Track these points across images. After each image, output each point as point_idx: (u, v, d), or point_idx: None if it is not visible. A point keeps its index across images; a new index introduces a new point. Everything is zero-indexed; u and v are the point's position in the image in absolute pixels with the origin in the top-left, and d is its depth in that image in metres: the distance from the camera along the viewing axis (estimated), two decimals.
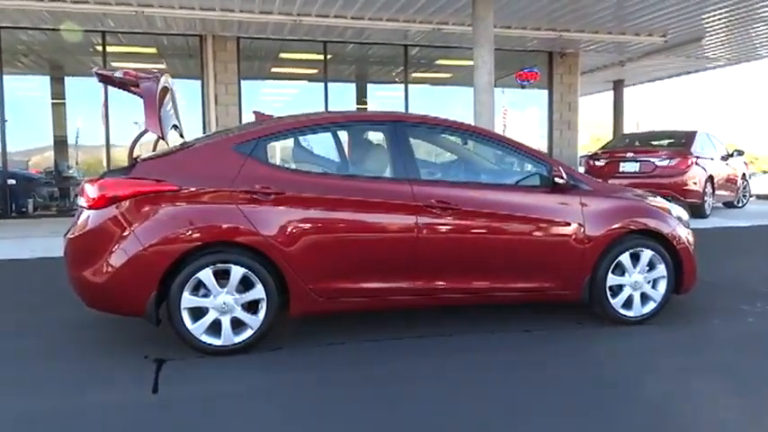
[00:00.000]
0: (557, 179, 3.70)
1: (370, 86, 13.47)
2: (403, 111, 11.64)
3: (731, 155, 11.31)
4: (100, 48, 10.80)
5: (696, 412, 2.64)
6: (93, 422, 2.53)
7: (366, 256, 3.44)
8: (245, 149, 3.41)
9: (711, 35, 11.68)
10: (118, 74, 3.50)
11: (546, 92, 13.22)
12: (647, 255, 3.82)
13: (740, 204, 12.11)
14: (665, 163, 9.82)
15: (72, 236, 3.31)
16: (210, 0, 9.14)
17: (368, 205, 3.45)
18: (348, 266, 3.41)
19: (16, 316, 4.22)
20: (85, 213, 3.27)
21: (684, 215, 4.18)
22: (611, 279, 3.78)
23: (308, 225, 3.34)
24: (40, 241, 7.32)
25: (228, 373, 3.06)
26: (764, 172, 21.07)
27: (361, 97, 12.95)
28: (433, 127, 3.98)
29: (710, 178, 10.17)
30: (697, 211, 9.56)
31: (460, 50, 11.79)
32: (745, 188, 12.25)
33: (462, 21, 10.08)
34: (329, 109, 11.52)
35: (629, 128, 18.59)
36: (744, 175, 12.10)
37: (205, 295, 3.23)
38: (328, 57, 11.85)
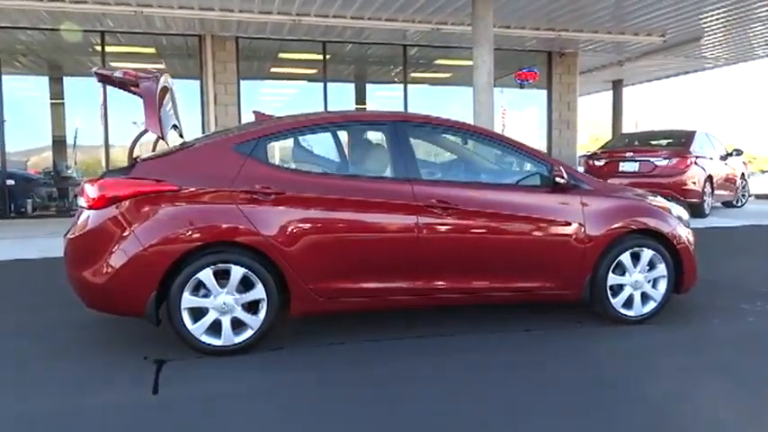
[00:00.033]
0: (557, 179, 3.70)
1: (369, 86, 13.46)
2: (402, 111, 11.64)
3: (730, 154, 11.32)
4: (99, 48, 10.79)
5: (696, 412, 2.64)
6: (93, 422, 2.53)
7: (366, 256, 3.44)
8: (246, 149, 3.41)
9: (710, 35, 11.70)
10: (117, 74, 3.50)
11: (545, 91, 13.23)
12: (647, 254, 3.83)
13: (739, 204, 12.13)
14: (665, 163, 9.83)
15: (72, 236, 3.31)
16: (209, 0, 9.13)
17: (368, 205, 3.45)
18: (348, 266, 3.41)
19: (16, 316, 4.21)
20: (85, 213, 3.26)
21: (685, 214, 4.18)
22: (612, 278, 3.79)
23: (309, 225, 3.34)
24: (40, 242, 7.31)
25: (228, 374, 3.06)
26: (762, 171, 21.07)
27: (361, 97, 12.94)
28: (437, 127, 3.99)
29: (710, 178, 10.18)
30: (696, 211, 9.57)
31: (459, 50, 11.81)
32: (744, 188, 12.27)
33: (461, 20, 10.09)
34: (328, 109, 11.52)
35: (627, 128, 18.61)
36: (743, 174, 12.12)
37: (205, 295, 3.22)
38: (327, 57, 11.85)
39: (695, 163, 9.85)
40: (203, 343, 3.23)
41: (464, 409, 2.62)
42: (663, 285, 3.87)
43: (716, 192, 10.53)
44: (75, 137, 11.57)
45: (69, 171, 11.61)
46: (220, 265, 3.22)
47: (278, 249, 3.27)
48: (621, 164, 10.22)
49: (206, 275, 3.19)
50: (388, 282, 3.48)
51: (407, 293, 3.52)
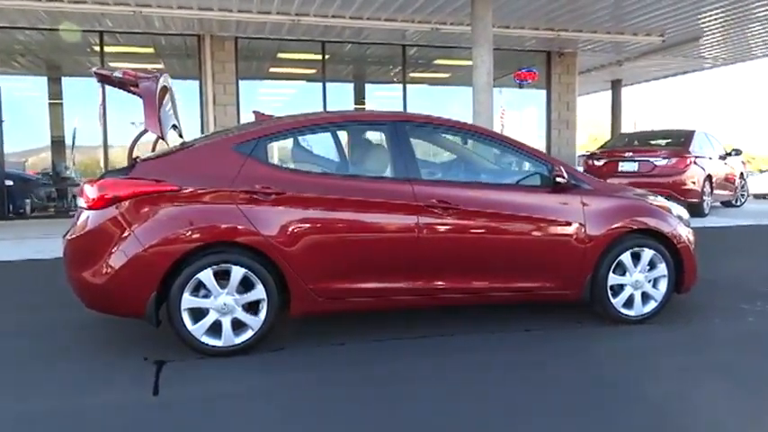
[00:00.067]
0: (558, 179, 3.70)
1: (368, 86, 13.46)
2: (401, 111, 11.64)
3: (729, 154, 11.34)
4: (97, 48, 10.77)
5: (696, 412, 2.64)
6: (93, 423, 2.52)
7: (367, 257, 3.44)
8: (246, 149, 3.40)
9: (708, 35, 11.71)
10: (117, 74, 3.49)
11: (544, 91, 13.24)
12: (647, 254, 3.83)
13: (738, 203, 12.15)
14: (664, 162, 9.84)
15: (71, 237, 3.30)
16: (208, 0, 9.12)
17: (369, 205, 3.45)
18: (349, 266, 3.41)
19: (16, 316, 4.21)
20: (85, 214, 3.26)
21: (685, 214, 4.18)
22: (612, 278, 3.79)
23: (309, 225, 3.34)
24: (39, 242, 7.30)
25: (229, 374, 3.06)
26: (761, 171, 21.09)
27: (360, 97, 12.94)
28: (438, 127, 3.99)
29: (709, 177, 10.19)
30: (695, 211, 9.57)
31: (459, 50, 11.81)
32: (743, 187, 12.29)
33: (461, 20, 10.09)
34: (327, 109, 11.51)
35: (626, 127, 18.63)
36: (742, 174, 12.14)
37: (205, 296, 3.22)
38: (326, 57, 11.85)
39: (694, 163, 9.86)
40: (203, 344, 3.22)
41: (464, 409, 2.62)
42: (663, 285, 3.87)
43: (715, 191, 10.55)
44: (74, 137, 11.56)
45: (68, 171, 11.61)
46: (222, 265, 3.21)
47: (278, 249, 3.26)
48: (621, 164, 10.23)
49: (206, 276, 3.19)
50: (388, 282, 3.47)
51: (408, 293, 3.52)
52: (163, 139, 3.56)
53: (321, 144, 4.20)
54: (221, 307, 3.21)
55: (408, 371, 3.11)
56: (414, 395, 2.78)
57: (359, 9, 9.67)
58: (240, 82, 11.27)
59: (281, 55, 12.03)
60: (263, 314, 3.27)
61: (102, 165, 10.81)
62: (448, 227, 3.54)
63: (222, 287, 3.22)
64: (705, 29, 11.22)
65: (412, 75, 12.67)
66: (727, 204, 11.95)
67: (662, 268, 3.86)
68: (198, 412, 2.61)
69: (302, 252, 3.30)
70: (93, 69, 3.72)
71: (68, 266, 3.31)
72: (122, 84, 3.60)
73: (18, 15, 9.53)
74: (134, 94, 3.59)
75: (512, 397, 2.76)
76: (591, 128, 32.96)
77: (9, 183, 10.62)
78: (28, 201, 10.98)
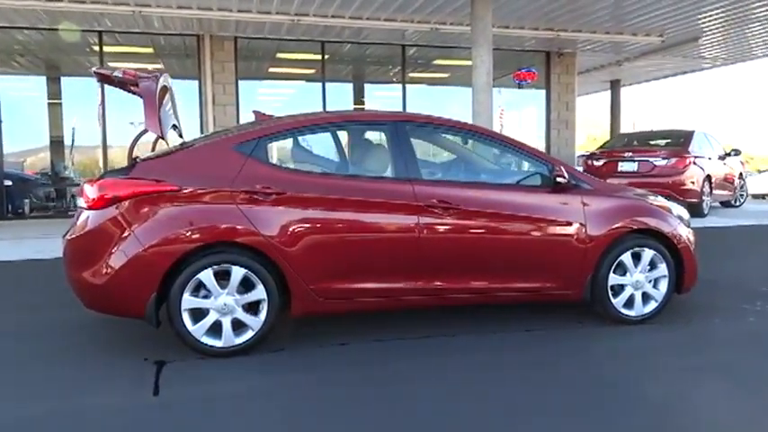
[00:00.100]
0: (558, 179, 3.70)
1: (367, 86, 13.45)
2: (401, 110, 11.64)
3: (728, 154, 11.34)
4: (96, 48, 10.75)
5: (696, 412, 2.64)
6: (93, 423, 2.52)
7: (367, 257, 3.44)
8: (246, 149, 3.40)
9: (708, 35, 11.71)
10: (117, 73, 3.49)
11: (543, 91, 13.24)
12: (648, 254, 3.83)
13: (737, 203, 12.15)
14: (664, 162, 9.85)
15: (71, 237, 3.30)
16: (208, 0, 9.11)
17: (369, 205, 3.44)
18: (349, 267, 3.41)
19: (16, 316, 4.20)
20: (85, 214, 3.25)
21: (685, 214, 4.18)
22: (613, 278, 3.79)
23: (309, 225, 3.33)
24: (39, 242, 7.29)
25: (229, 375, 3.05)
26: (759, 171, 21.09)
27: (359, 97, 12.94)
28: (438, 127, 3.99)
29: (708, 177, 10.20)
30: (695, 211, 9.57)
31: (458, 50, 11.81)
32: (742, 187, 12.30)
33: (460, 20, 10.08)
34: (327, 109, 11.51)
35: (625, 127, 18.64)
36: (741, 174, 12.14)
37: (206, 296, 3.21)
38: (326, 57, 11.84)
39: (694, 163, 9.86)
40: (204, 344, 3.22)
41: (464, 409, 2.62)
42: (664, 285, 3.87)
43: (714, 191, 10.55)
44: (73, 137, 11.53)
45: (67, 172, 11.58)
46: (224, 265, 3.20)
47: (278, 249, 3.26)
48: (620, 164, 10.23)
49: (206, 276, 3.18)
50: (388, 282, 3.47)
51: (408, 294, 3.52)
52: (163, 138, 3.56)
53: (321, 144, 4.20)
54: (221, 307, 3.21)
55: (409, 371, 3.10)
56: (414, 395, 2.78)
57: (358, 9, 9.66)
58: (240, 82, 11.26)
59: (280, 55, 12.02)
60: (263, 314, 3.27)
61: (101, 165, 10.80)
62: (448, 227, 3.53)
63: (222, 287, 3.21)
64: (705, 29, 11.22)
65: (411, 75, 12.67)
66: (726, 204, 11.95)
67: (662, 268, 3.86)
68: (198, 412, 2.61)
69: (303, 252, 3.30)
70: (94, 69, 3.72)
71: (68, 266, 3.31)
72: (122, 83, 3.60)
73: (17, 15, 9.51)
74: (134, 93, 3.59)
75: (512, 397, 2.76)
76: (590, 128, 32.97)
77: (8, 183, 10.60)
78: (27, 201, 10.96)
